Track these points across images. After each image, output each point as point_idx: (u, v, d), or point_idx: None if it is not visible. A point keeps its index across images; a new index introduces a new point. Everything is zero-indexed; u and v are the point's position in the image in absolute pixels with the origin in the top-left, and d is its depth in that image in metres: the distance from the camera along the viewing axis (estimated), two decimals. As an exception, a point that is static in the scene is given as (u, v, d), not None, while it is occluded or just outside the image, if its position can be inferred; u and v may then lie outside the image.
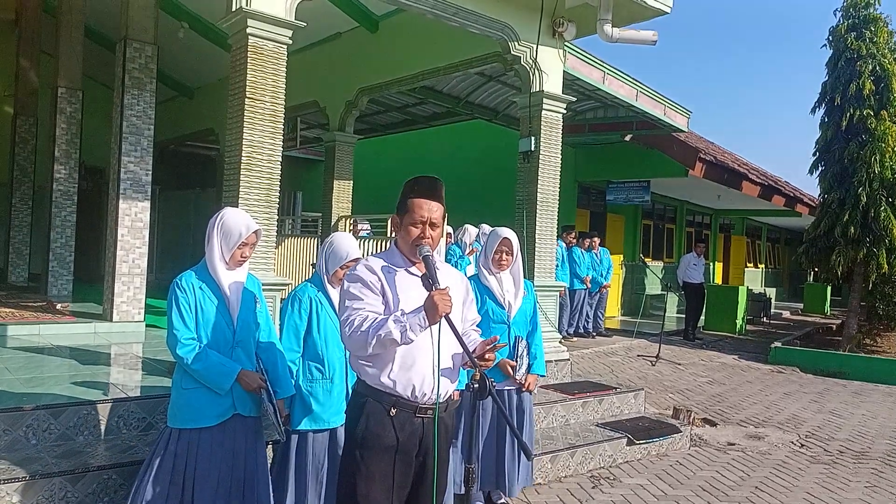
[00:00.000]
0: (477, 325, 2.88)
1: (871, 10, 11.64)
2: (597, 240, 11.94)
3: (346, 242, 3.43)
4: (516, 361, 3.93)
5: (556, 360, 6.62)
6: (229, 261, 3.09)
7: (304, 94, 9.92)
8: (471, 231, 8.48)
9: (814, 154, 12.11)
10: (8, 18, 11.29)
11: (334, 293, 3.42)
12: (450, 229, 8.65)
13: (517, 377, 3.90)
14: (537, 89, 6.84)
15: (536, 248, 6.82)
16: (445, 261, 9.06)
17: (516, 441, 2.58)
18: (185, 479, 2.96)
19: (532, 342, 4.16)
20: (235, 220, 3.09)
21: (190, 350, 2.96)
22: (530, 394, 4.22)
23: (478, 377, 2.39)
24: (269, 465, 3.35)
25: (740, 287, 15.00)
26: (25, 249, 10.07)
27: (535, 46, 6.75)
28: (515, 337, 4.02)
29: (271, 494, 3.22)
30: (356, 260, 3.33)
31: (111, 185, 6.70)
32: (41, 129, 9.67)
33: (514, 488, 4.11)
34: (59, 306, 7.36)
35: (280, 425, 3.18)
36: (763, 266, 25.09)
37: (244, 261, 3.15)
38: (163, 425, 4.02)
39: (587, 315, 11.64)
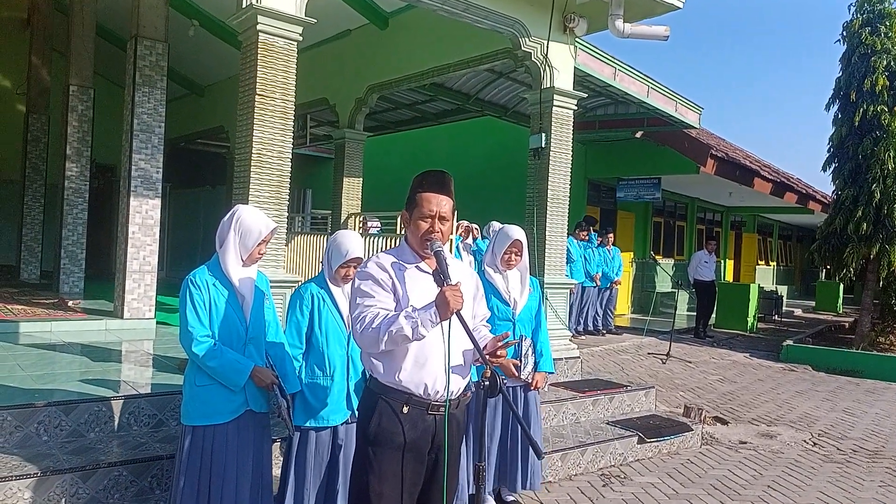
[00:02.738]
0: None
1: (886, 5, 11.50)
2: (611, 236, 11.93)
3: (347, 241, 3.38)
4: (521, 360, 3.89)
5: (566, 358, 6.59)
6: (246, 259, 3.10)
7: (313, 92, 9.92)
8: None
9: (828, 150, 12.00)
10: (20, 17, 11.38)
11: (337, 290, 3.41)
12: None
13: (522, 376, 3.86)
14: (548, 85, 6.81)
15: (547, 246, 6.78)
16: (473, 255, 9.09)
17: (528, 440, 2.56)
18: (202, 473, 2.97)
19: (537, 340, 4.13)
20: (254, 220, 3.10)
21: (205, 347, 2.95)
22: (538, 392, 4.19)
23: (488, 374, 2.37)
24: (272, 462, 3.35)
25: (751, 285, 14.90)
26: (37, 247, 10.14)
27: (545, 42, 6.71)
28: (520, 335, 4.00)
29: (272, 492, 3.23)
30: (357, 259, 3.30)
31: (122, 182, 6.73)
32: (53, 127, 9.72)
33: (517, 485, 4.08)
34: (70, 303, 7.40)
35: (291, 421, 3.18)
36: (775, 263, 24.93)
37: (260, 258, 3.17)
38: (175, 422, 4.05)
39: (596, 312, 11.62)
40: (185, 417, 3.06)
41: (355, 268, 3.29)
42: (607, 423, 5.73)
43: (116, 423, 3.97)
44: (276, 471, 3.48)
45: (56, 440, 3.76)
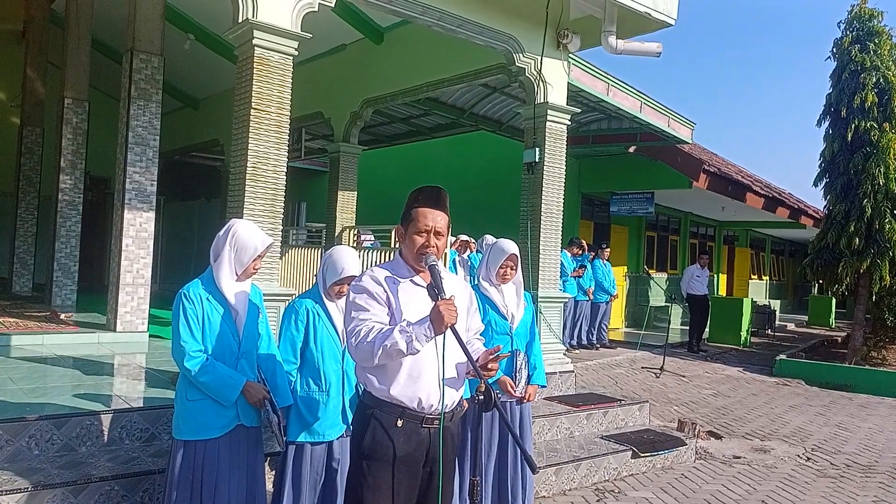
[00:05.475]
0: (480, 335, 2.87)
1: (875, 23, 11.66)
2: (608, 250, 11.96)
3: (343, 258, 3.37)
4: (515, 375, 3.88)
5: (560, 372, 6.59)
6: (241, 274, 3.10)
7: (309, 106, 9.96)
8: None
9: (819, 166, 12.10)
10: (16, 30, 11.39)
11: (332, 306, 3.40)
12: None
13: (517, 393, 3.86)
14: (542, 101, 6.86)
15: (541, 260, 6.80)
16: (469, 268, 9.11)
17: (521, 454, 2.53)
18: (193, 489, 2.95)
19: (531, 352, 4.13)
20: (250, 235, 3.09)
21: (197, 362, 2.95)
22: (530, 404, 4.17)
23: (483, 389, 2.38)
24: (265, 477, 3.33)
25: (745, 299, 14.95)
26: (30, 259, 10.09)
27: (539, 58, 6.77)
28: (515, 349, 3.99)
29: None
30: (351, 278, 3.27)
31: (116, 195, 6.72)
32: (47, 140, 9.71)
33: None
34: (62, 316, 7.35)
35: (282, 436, 3.17)
36: (767, 278, 25.02)
37: (255, 272, 3.17)
38: (167, 437, 4.03)
39: (590, 326, 11.63)
40: (176, 432, 3.04)
41: (349, 285, 3.29)
42: (601, 438, 5.72)
43: (108, 437, 3.95)
44: (268, 486, 3.46)
45: (47, 454, 3.73)
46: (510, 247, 3.93)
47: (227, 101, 7.65)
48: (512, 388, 3.81)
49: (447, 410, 2.52)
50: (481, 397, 2.37)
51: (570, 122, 7.16)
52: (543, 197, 6.85)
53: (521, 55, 6.68)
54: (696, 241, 18.79)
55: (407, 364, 2.45)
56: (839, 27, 12.04)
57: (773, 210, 16.48)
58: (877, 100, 11.19)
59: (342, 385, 3.37)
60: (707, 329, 13.72)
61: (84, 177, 8.53)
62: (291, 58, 5.09)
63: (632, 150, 12.59)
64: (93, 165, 10.77)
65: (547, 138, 6.89)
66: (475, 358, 2.50)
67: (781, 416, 8.03)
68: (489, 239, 8.57)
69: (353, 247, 8.40)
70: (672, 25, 6.66)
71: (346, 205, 9.77)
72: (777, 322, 17.70)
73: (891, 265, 11.01)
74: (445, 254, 8.02)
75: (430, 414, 2.49)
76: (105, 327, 6.68)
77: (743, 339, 14.11)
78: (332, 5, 5.39)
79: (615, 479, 5.27)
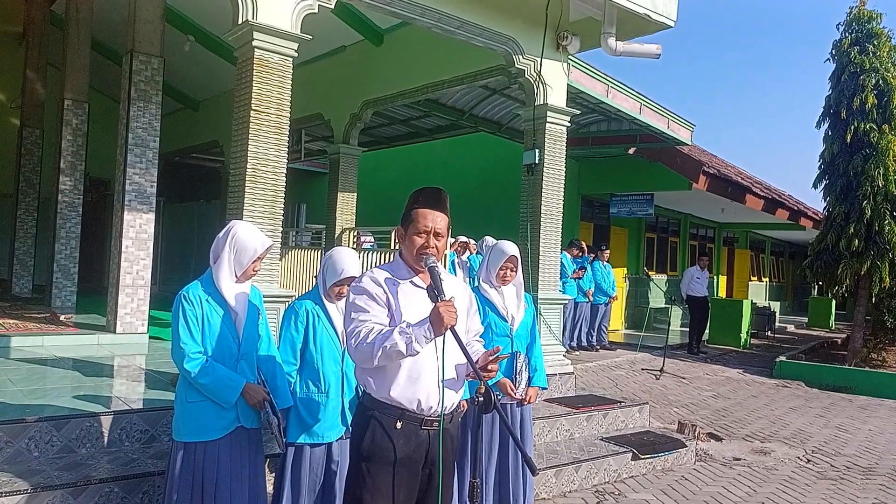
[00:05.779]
0: (480, 337, 2.86)
1: (874, 25, 11.68)
2: (607, 252, 11.96)
3: (343, 259, 3.37)
4: (515, 377, 3.88)
5: (560, 374, 6.58)
6: (240, 276, 3.09)
7: (308, 107, 9.97)
8: None
9: (819, 167, 12.11)
10: (16, 31, 11.40)
11: (332, 307, 3.40)
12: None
13: (517, 395, 3.86)
14: (541, 102, 6.86)
15: (540, 261, 6.80)
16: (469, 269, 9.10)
17: (522, 456, 2.52)
18: (193, 491, 2.95)
19: (531, 354, 4.12)
20: (250, 236, 3.09)
21: (197, 364, 2.94)
22: (530, 406, 4.17)
23: (482, 390, 2.37)
24: (266, 479, 3.33)
25: (744, 301, 14.95)
26: (30, 261, 10.10)
27: (539, 60, 6.78)
28: (515, 352, 3.98)
29: None
30: (352, 278, 3.27)
31: (116, 196, 6.72)
32: (47, 141, 9.71)
33: None
34: (62, 318, 7.35)
35: (282, 438, 3.17)
36: (767, 279, 25.02)
37: (255, 274, 3.16)
38: (167, 438, 4.03)
39: (590, 328, 11.63)
40: (176, 434, 3.04)
41: (349, 286, 3.29)
42: (601, 440, 5.72)
43: (108, 438, 3.94)
44: (268, 487, 3.46)
45: (47, 456, 3.72)
46: (510, 248, 3.92)
47: (226, 103, 7.66)
48: (512, 390, 3.80)
49: (447, 412, 2.52)
50: (481, 399, 2.37)
51: (569, 124, 7.16)
52: (543, 198, 6.85)
53: (520, 57, 6.68)
54: (696, 243, 18.80)
55: (406, 365, 2.45)
56: (838, 29, 12.05)
57: (772, 212, 16.49)
58: (876, 101, 11.20)
59: (341, 387, 3.37)
60: (707, 331, 13.72)
61: (84, 178, 8.54)
62: (291, 59, 5.10)
63: (631, 151, 12.60)
64: (92, 167, 10.78)
65: (546, 140, 6.89)
66: (475, 359, 2.50)
67: (781, 417, 8.03)
68: (489, 240, 8.57)
69: (352, 248, 8.41)
70: (671, 27, 6.66)
71: (346, 206, 9.77)
72: (777, 324, 17.69)
73: (890, 267, 11.01)
74: (445, 255, 8.01)
75: (430, 415, 2.48)
76: (105, 329, 6.68)
77: (743, 340, 14.11)
78: (332, 7, 5.39)
79: (615, 481, 5.27)
